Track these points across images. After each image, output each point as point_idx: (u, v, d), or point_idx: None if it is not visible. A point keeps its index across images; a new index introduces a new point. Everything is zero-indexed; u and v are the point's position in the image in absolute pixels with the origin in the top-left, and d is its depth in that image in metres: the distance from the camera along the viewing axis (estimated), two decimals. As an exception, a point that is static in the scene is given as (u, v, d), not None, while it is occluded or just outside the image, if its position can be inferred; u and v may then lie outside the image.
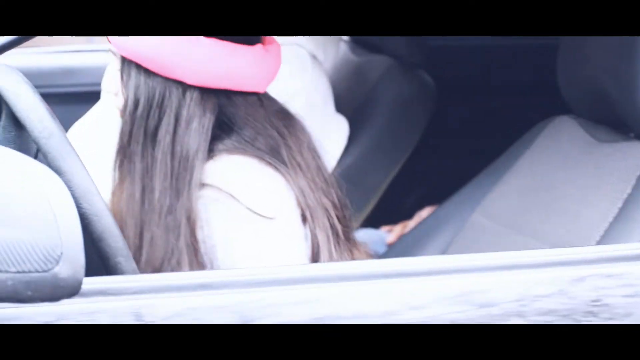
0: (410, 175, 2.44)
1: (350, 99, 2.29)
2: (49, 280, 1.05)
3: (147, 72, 1.43)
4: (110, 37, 1.45)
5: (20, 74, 1.34)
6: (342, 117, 2.19)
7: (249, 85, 1.46)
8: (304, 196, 1.46)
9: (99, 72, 1.76)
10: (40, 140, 1.26)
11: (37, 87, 1.38)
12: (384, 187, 2.28)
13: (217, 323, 1.13)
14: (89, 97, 2.56)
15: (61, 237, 1.05)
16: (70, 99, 2.59)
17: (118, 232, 1.29)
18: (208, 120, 1.44)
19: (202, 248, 1.41)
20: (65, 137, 1.28)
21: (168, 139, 1.43)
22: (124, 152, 1.48)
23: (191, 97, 1.43)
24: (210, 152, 1.44)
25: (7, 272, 1.04)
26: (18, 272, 1.05)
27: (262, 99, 1.50)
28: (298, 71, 2.06)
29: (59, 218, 1.06)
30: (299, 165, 1.48)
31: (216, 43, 1.41)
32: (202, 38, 1.40)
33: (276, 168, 1.45)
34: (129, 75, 1.45)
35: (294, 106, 1.94)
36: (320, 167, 1.53)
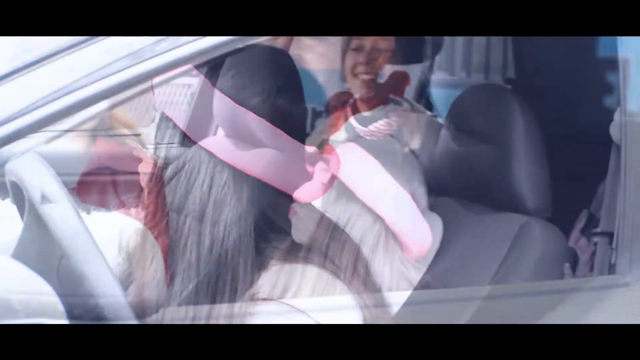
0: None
1: (456, 187, 2.16)
2: None
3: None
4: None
5: (43, 163, 1.22)
6: (437, 217, 2.08)
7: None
8: None
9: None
10: (63, 242, 1.14)
11: (62, 175, 1.27)
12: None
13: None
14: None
15: None
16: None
17: None
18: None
19: None
20: (91, 237, 1.16)
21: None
22: (150, 224, 1.40)
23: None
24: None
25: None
26: None
27: None
28: (388, 166, 2.03)
29: None
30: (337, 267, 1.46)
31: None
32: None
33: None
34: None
35: (382, 203, 1.87)
36: (360, 272, 1.51)
